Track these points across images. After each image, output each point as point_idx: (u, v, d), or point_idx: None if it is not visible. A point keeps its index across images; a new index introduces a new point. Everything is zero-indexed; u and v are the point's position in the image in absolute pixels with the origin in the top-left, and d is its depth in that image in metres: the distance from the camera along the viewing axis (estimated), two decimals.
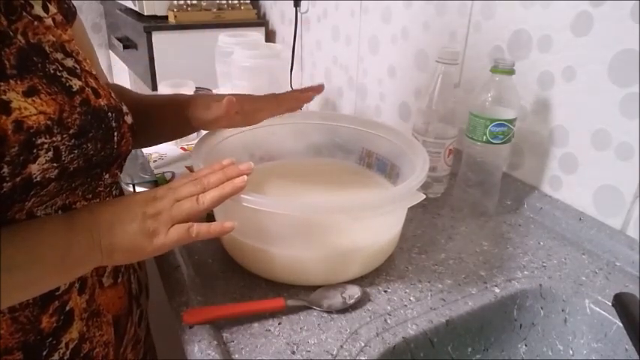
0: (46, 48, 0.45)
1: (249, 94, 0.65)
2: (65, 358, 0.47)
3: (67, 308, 0.47)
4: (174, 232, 0.45)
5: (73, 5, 0.55)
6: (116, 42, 1.69)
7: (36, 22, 0.45)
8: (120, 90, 0.64)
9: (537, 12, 0.71)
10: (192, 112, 0.61)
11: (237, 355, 0.48)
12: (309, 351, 0.48)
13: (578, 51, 0.66)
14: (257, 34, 1.28)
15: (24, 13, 0.44)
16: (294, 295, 0.56)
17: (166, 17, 1.49)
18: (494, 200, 0.75)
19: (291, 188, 0.71)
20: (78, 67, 0.47)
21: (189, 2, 1.47)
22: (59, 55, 0.46)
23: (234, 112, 0.59)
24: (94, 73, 0.50)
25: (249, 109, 0.63)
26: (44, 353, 0.46)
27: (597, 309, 0.55)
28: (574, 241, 0.68)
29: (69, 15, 0.53)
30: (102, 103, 0.47)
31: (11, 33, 0.41)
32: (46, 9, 0.47)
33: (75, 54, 0.48)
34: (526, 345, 0.60)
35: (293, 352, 0.48)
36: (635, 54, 0.59)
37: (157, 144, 0.74)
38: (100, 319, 0.51)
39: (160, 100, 0.68)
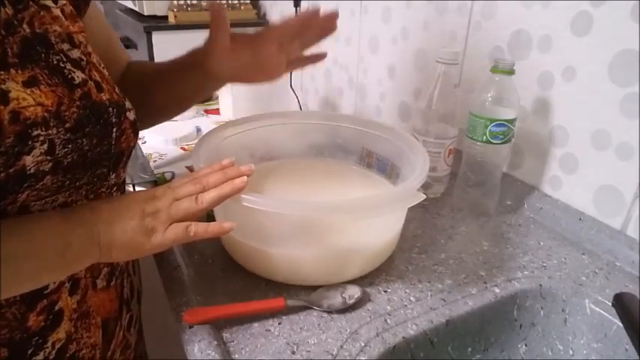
0: (52, 38, 0.44)
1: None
2: (50, 357, 0.47)
3: (57, 308, 0.47)
4: (172, 231, 0.45)
5: None
6: None
7: (42, 12, 0.44)
8: (137, 67, 0.66)
9: (537, 12, 0.71)
10: (206, 48, 0.63)
11: (237, 355, 0.48)
12: (309, 351, 0.48)
13: (578, 51, 0.66)
14: None
15: (31, 3, 0.43)
16: (294, 295, 0.56)
17: (166, 17, 1.49)
18: (494, 200, 0.75)
19: (291, 188, 0.71)
20: (84, 58, 0.47)
21: (189, 2, 1.47)
22: (65, 46, 0.45)
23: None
24: (101, 66, 0.49)
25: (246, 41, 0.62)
26: (29, 352, 0.45)
27: (597, 309, 0.55)
28: (574, 241, 0.68)
29: (81, 3, 0.52)
30: (103, 98, 0.46)
31: (16, 22, 0.41)
32: None
33: (83, 46, 0.47)
34: (526, 345, 0.60)
35: (293, 352, 0.48)
36: (635, 54, 0.59)
37: (183, 108, 0.71)
38: (89, 320, 0.50)
39: (175, 60, 0.69)
